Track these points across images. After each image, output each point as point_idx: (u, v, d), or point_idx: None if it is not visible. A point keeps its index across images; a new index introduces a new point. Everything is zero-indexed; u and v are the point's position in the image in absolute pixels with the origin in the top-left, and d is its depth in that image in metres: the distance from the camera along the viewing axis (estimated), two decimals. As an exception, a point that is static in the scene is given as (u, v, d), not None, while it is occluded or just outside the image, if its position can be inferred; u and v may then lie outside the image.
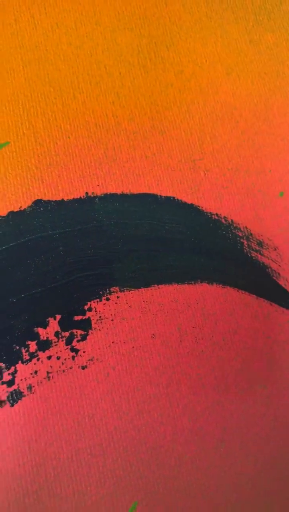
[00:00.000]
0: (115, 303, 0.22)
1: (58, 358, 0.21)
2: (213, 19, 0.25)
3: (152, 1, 0.24)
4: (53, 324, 0.21)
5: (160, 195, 0.23)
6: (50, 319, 0.21)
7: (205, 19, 0.25)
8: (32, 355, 0.21)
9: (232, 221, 0.24)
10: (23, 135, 0.22)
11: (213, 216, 0.24)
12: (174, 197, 0.23)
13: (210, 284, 0.23)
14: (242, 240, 0.24)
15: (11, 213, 0.22)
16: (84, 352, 0.22)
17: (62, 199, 0.22)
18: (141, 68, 0.24)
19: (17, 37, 0.23)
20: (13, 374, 0.21)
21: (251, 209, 0.24)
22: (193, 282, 0.23)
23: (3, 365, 0.19)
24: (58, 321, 0.22)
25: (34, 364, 0.21)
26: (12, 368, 0.21)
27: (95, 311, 0.22)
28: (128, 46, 0.24)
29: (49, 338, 0.21)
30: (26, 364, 0.21)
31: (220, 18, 0.25)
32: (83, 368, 0.21)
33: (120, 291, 0.23)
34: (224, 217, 0.24)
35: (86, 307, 0.22)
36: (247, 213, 0.24)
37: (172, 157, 0.23)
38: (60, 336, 0.21)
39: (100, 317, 0.22)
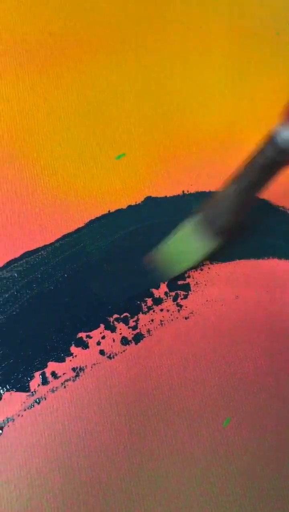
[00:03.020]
0: (207, 272, 0.30)
1: (167, 310, 0.29)
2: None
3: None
4: (163, 286, 0.29)
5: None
6: (162, 283, 0.29)
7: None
8: (149, 308, 0.29)
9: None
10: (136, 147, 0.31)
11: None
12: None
13: (279, 259, 0.31)
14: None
15: (129, 206, 0.30)
16: (186, 307, 0.29)
17: (166, 196, 0.31)
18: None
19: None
20: (136, 321, 0.28)
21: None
22: (266, 258, 0.31)
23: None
24: (166, 284, 0.29)
25: (151, 314, 0.29)
26: (135, 317, 0.28)
27: (193, 278, 0.30)
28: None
29: (161, 296, 0.29)
30: (145, 314, 0.29)
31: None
32: (186, 318, 0.29)
33: (211, 263, 0.30)
34: None
35: (186, 275, 0.30)
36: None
37: None
38: (168, 295, 0.29)
39: (196, 282, 0.30)
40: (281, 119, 0.23)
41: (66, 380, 0.26)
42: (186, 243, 0.27)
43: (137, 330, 0.28)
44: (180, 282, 0.29)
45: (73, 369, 0.27)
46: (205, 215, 0.27)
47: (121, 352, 0.27)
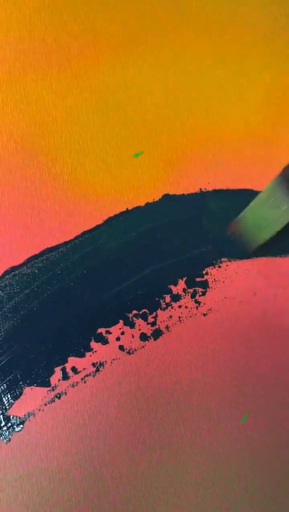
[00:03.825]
0: (225, 269, 0.30)
1: (186, 307, 0.29)
2: None
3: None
4: (182, 283, 0.29)
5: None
6: (179, 280, 0.29)
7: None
8: (168, 305, 0.29)
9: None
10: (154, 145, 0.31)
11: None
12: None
13: (296, 257, 0.31)
14: None
15: (147, 204, 0.30)
16: (204, 304, 0.29)
17: (184, 194, 0.31)
18: None
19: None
20: (155, 317, 0.29)
21: None
22: (283, 255, 0.31)
23: None
24: (185, 281, 0.29)
25: (169, 311, 0.29)
26: (154, 313, 0.29)
27: (211, 275, 0.30)
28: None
29: (179, 293, 0.29)
30: (164, 311, 0.29)
31: None
32: (204, 315, 0.29)
33: (229, 261, 0.30)
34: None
35: (204, 272, 0.30)
36: None
37: None
38: (186, 291, 0.29)
39: (214, 279, 0.30)
40: None
41: (86, 375, 0.27)
42: (267, 209, 0.25)
43: (156, 326, 0.28)
44: (198, 279, 0.29)
45: (93, 364, 0.27)
46: (286, 176, 0.24)
47: (140, 348, 0.27)
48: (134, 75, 0.33)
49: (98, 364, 0.27)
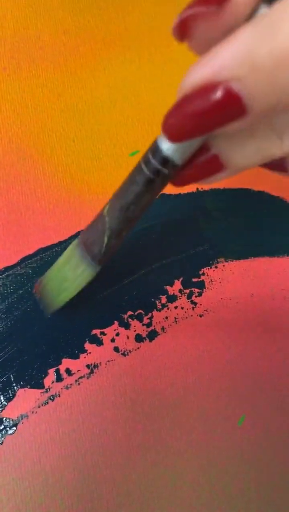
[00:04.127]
0: (222, 270, 0.30)
1: (182, 308, 0.29)
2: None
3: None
4: (178, 284, 0.29)
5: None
6: (175, 280, 0.29)
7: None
8: (164, 305, 0.29)
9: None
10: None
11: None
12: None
13: (293, 257, 0.30)
14: None
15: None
16: (200, 304, 0.29)
17: (180, 194, 0.31)
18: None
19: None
20: (150, 318, 0.28)
21: None
22: (281, 256, 0.30)
23: None
24: (181, 282, 0.29)
25: (165, 312, 0.28)
26: (149, 314, 0.28)
27: (207, 275, 0.30)
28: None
29: (175, 294, 0.29)
30: (159, 312, 0.28)
31: None
32: (200, 316, 0.29)
33: (226, 261, 0.30)
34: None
35: (200, 272, 0.30)
36: None
37: None
38: (182, 292, 0.29)
39: (211, 280, 0.29)
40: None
41: (81, 377, 0.26)
42: (66, 271, 0.24)
43: (152, 328, 0.28)
44: (194, 280, 0.29)
45: (88, 366, 0.27)
46: (83, 239, 0.22)
47: (135, 349, 0.27)
48: (130, 72, 0.33)
49: (92, 365, 0.27)
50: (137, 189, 0.19)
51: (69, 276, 0.23)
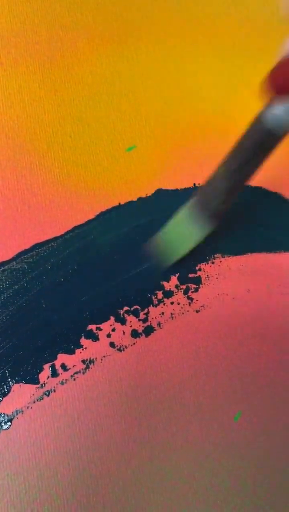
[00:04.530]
0: (219, 265, 0.30)
1: (178, 303, 0.29)
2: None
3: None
4: (174, 279, 0.29)
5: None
6: (172, 276, 0.29)
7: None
8: (160, 301, 0.28)
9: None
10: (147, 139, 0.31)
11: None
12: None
13: (290, 253, 0.30)
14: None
15: (140, 199, 0.30)
16: (197, 300, 0.29)
17: (177, 189, 0.30)
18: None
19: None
20: (147, 314, 0.28)
21: None
22: (278, 252, 0.30)
23: None
24: (177, 277, 0.29)
25: (161, 307, 0.28)
26: (146, 310, 0.28)
27: (204, 271, 0.29)
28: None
29: (171, 289, 0.29)
30: (156, 307, 0.28)
31: None
32: (197, 312, 0.29)
33: (222, 257, 0.30)
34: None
35: (197, 268, 0.29)
36: None
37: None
38: (179, 288, 0.29)
39: (207, 275, 0.29)
40: (264, 99, 0.22)
41: (76, 373, 0.26)
42: (181, 228, 0.27)
43: (148, 323, 0.28)
44: (190, 275, 0.29)
45: (83, 361, 0.26)
46: (198, 198, 0.26)
47: (131, 345, 0.27)
48: (128, 68, 0.32)
49: (88, 361, 0.27)
50: (246, 157, 0.22)
51: (186, 233, 0.26)
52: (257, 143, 0.22)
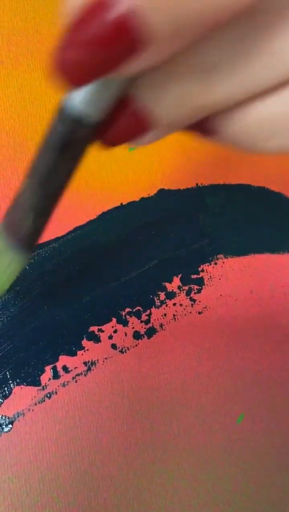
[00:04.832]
0: (221, 266, 0.29)
1: (180, 305, 0.28)
2: None
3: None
4: (176, 280, 0.29)
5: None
6: (174, 277, 0.29)
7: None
8: (162, 302, 0.28)
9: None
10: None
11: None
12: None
13: (294, 254, 0.30)
14: None
15: (142, 199, 0.30)
16: (200, 301, 0.29)
17: (180, 189, 0.30)
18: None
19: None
20: (149, 315, 0.28)
21: None
22: (281, 253, 0.30)
23: None
24: (180, 278, 0.29)
25: (164, 309, 0.28)
26: (148, 311, 0.28)
27: (207, 272, 0.29)
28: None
29: (174, 291, 0.29)
30: (158, 309, 0.28)
31: None
32: (199, 313, 0.28)
33: (225, 257, 0.30)
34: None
35: (199, 269, 0.29)
36: None
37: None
38: (181, 289, 0.29)
39: (210, 276, 0.29)
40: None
41: (78, 375, 0.26)
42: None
43: (150, 325, 0.27)
44: (193, 276, 0.29)
45: (85, 363, 0.26)
46: (6, 223, 0.19)
47: (133, 347, 0.27)
48: (130, 66, 0.32)
49: (90, 363, 0.26)
50: (53, 158, 0.15)
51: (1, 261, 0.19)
52: (64, 138, 0.15)
